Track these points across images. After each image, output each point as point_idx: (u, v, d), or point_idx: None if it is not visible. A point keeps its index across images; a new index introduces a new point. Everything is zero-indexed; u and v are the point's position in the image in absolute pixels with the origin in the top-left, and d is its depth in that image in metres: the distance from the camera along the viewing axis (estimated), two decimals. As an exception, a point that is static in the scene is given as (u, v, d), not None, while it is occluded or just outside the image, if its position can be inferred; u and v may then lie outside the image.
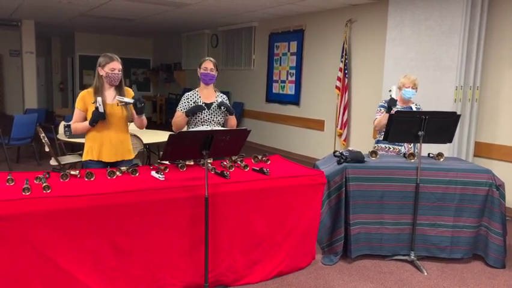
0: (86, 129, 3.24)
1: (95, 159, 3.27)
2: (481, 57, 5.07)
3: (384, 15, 5.99)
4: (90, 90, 3.26)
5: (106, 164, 3.27)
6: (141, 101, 3.20)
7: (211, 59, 3.63)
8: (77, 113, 3.25)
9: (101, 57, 3.24)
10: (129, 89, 3.41)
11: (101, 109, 3.14)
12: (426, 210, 3.55)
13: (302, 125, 8.04)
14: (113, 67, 3.18)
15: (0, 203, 2.33)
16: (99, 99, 3.15)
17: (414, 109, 4.07)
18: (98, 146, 3.26)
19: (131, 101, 3.20)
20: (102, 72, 3.21)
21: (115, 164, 3.29)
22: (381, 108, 4.10)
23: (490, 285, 3.25)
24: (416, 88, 4.03)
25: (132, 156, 3.47)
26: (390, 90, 3.95)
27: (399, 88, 4.05)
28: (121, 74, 3.24)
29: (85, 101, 3.22)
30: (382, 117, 3.99)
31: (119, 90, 3.28)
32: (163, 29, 11.03)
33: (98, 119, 3.16)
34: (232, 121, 3.73)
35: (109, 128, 3.25)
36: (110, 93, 3.27)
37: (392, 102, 3.85)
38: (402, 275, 3.38)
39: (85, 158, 3.32)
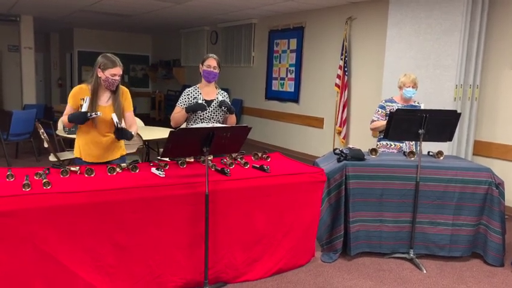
0: (68, 123, 3.14)
1: (83, 158, 3.23)
2: (481, 56, 5.07)
3: (384, 13, 5.98)
4: (83, 86, 3.16)
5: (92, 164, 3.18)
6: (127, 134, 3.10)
7: (215, 56, 3.61)
8: (68, 108, 3.17)
9: (102, 57, 3.10)
10: (124, 88, 3.28)
11: (83, 108, 3.04)
12: (426, 208, 3.55)
13: (301, 123, 8.04)
14: (114, 73, 3.06)
15: (0, 198, 2.32)
16: (87, 98, 3.06)
17: (422, 106, 4.04)
18: (85, 146, 3.21)
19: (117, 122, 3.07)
20: (101, 74, 3.07)
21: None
22: (380, 110, 4.11)
23: (488, 284, 3.26)
24: (417, 87, 4.03)
25: (124, 152, 3.39)
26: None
27: (400, 88, 4.06)
28: (119, 80, 3.13)
29: (76, 98, 3.13)
30: (378, 123, 4.03)
31: (115, 93, 3.18)
32: (163, 25, 10.99)
33: (77, 118, 3.05)
34: (232, 119, 3.71)
35: (98, 129, 3.17)
36: (104, 95, 3.17)
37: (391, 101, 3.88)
38: (402, 272, 3.39)
39: (75, 154, 3.30)
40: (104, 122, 3.16)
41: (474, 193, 3.52)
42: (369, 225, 3.57)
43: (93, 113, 3.04)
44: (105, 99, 3.17)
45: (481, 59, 5.08)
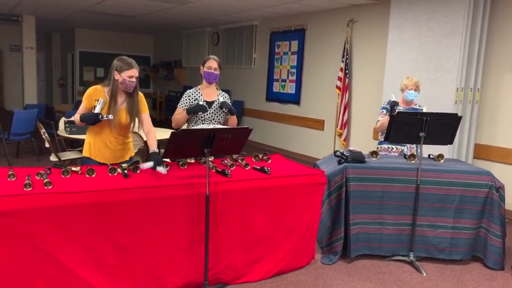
0: (80, 122, 3.16)
1: (93, 158, 3.25)
2: (482, 59, 5.07)
3: (386, 15, 5.99)
4: (98, 87, 3.18)
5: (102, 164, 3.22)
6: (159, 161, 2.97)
7: (216, 58, 3.62)
8: (81, 107, 3.19)
9: (117, 60, 3.11)
10: (141, 94, 3.30)
11: (96, 110, 3.05)
12: (426, 211, 3.56)
13: (302, 125, 8.04)
14: (131, 74, 3.07)
15: (1, 198, 2.33)
16: (101, 100, 3.08)
17: (425, 110, 4.03)
18: (97, 146, 3.23)
19: (151, 164, 2.95)
20: (118, 77, 3.08)
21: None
22: (384, 110, 4.11)
23: (488, 287, 3.26)
24: (419, 90, 4.04)
25: (133, 153, 3.44)
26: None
27: (402, 90, 4.07)
28: (136, 82, 3.14)
29: (90, 99, 3.15)
30: (385, 120, 4.01)
31: (130, 96, 3.19)
32: (164, 26, 11.01)
33: (88, 118, 3.07)
34: (233, 121, 3.72)
35: (110, 131, 3.19)
36: (121, 98, 3.18)
37: (394, 103, 3.90)
38: (402, 275, 3.39)
39: (84, 154, 3.31)
40: (117, 124, 3.17)
41: (474, 196, 3.52)
42: (370, 228, 3.57)
43: (105, 116, 3.06)
44: (120, 102, 3.18)
45: (482, 62, 5.09)
